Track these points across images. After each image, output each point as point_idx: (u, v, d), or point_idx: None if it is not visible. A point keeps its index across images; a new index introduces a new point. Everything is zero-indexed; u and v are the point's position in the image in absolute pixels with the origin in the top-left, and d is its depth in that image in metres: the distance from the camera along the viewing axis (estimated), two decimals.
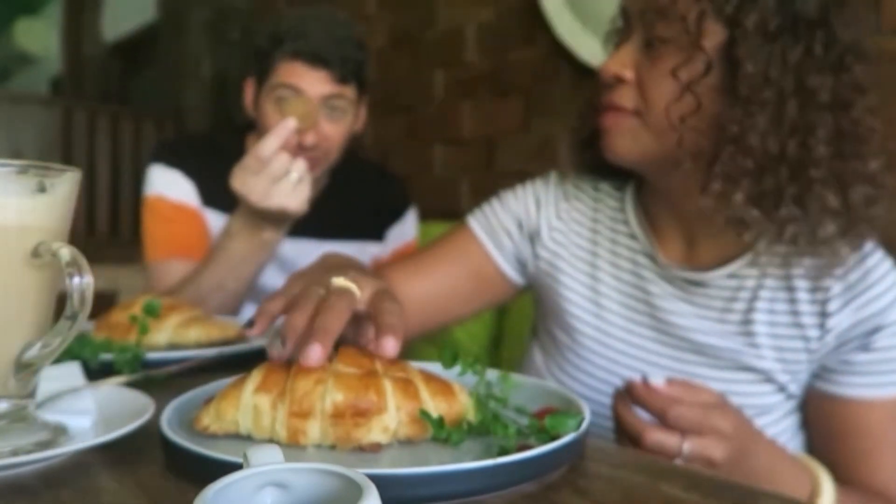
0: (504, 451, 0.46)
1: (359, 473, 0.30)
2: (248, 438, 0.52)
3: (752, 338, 0.80)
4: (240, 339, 0.91)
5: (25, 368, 0.49)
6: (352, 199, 1.49)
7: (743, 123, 0.71)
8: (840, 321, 0.76)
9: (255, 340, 0.90)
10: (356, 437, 0.49)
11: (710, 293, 0.83)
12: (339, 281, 0.62)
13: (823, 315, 0.77)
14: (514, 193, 1.01)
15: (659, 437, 0.64)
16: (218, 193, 1.31)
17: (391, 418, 0.50)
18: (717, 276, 0.82)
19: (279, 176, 1.08)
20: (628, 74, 0.79)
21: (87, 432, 0.52)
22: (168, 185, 1.38)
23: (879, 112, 0.73)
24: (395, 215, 1.53)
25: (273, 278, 1.37)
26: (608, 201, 0.95)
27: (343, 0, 3.16)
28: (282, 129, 1.10)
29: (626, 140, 0.80)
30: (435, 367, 0.58)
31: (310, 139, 1.26)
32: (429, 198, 2.82)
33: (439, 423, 0.50)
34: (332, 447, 0.50)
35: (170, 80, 4.59)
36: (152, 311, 0.87)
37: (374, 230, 1.53)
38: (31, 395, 0.51)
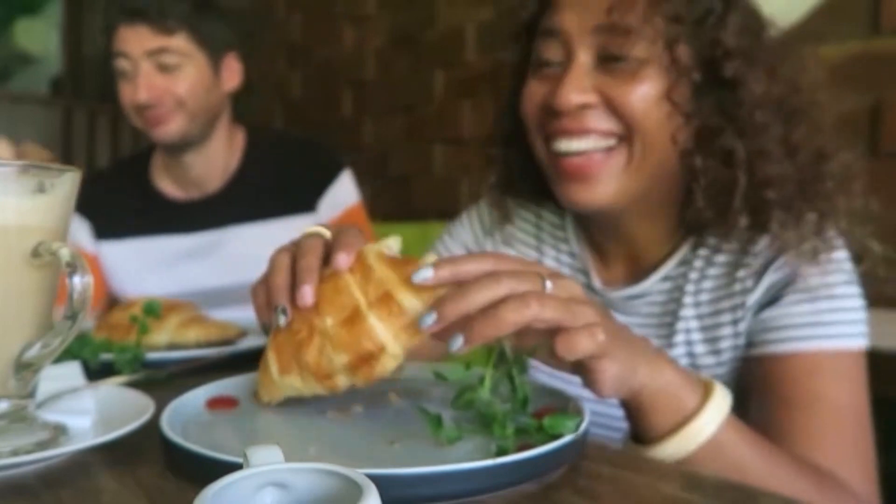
0: (504, 451, 0.46)
1: (359, 473, 0.30)
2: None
3: (688, 335, 0.80)
4: (240, 339, 0.91)
5: (25, 368, 0.49)
6: (272, 176, 1.44)
7: (750, 147, 0.72)
8: (757, 293, 0.76)
9: (255, 340, 0.90)
10: (376, 375, 0.54)
11: (651, 300, 0.83)
12: (307, 230, 0.64)
13: (744, 293, 0.77)
14: (460, 221, 1.02)
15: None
16: (111, 222, 1.36)
17: (393, 347, 0.54)
18: (653, 282, 0.83)
19: None
20: (593, 98, 0.72)
21: (87, 432, 0.52)
22: (72, 231, 1.37)
23: (880, 113, 0.73)
24: (324, 182, 1.46)
25: (219, 277, 1.39)
26: (551, 218, 0.95)
27: (343, 0, 3.17)
28: None
29: (604, 184, 0.75)
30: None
31: (142, 96, 1.26)
32: (429, 198, 2.82)
33: (437, 421, 0.50)
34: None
35: None
36: (152, 311, 0.87)
37: (304, 202, 1.45)
38: (31, 395, 0.51)
